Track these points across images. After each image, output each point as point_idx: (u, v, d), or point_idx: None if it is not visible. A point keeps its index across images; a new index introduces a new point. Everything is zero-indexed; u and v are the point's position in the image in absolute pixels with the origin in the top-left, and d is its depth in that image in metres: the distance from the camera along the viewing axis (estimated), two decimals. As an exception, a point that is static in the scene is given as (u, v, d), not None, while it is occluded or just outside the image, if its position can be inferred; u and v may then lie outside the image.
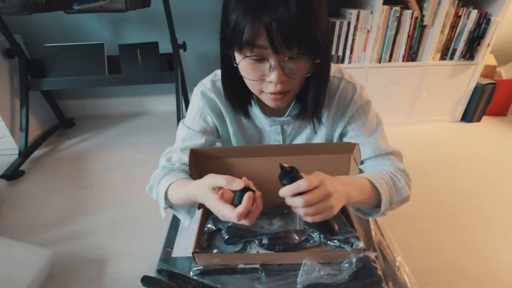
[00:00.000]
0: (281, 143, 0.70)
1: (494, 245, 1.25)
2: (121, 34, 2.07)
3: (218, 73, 0.68)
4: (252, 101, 0.64)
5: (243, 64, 0.50)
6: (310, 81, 0.54)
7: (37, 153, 1.90)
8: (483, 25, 1.88)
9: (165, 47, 1.84)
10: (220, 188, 0.46)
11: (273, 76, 0.48)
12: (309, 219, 0.43)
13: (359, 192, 0.51)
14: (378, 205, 0.55)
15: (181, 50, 1.87)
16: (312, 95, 0.56)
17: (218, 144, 0.78)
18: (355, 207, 0.60)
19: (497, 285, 1.09)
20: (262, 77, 0.50)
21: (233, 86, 0.59)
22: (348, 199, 0.47)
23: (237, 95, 0.61)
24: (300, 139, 0.70)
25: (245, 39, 0.45)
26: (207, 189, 0.46)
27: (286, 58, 0.47)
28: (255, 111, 0.66)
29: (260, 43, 0.45)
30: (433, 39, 1.88)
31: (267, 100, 0.55)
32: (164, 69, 1.92)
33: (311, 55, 0.48)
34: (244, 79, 0.54)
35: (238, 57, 0.50)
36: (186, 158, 0.63)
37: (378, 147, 0.62)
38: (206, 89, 0.66)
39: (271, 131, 0.69)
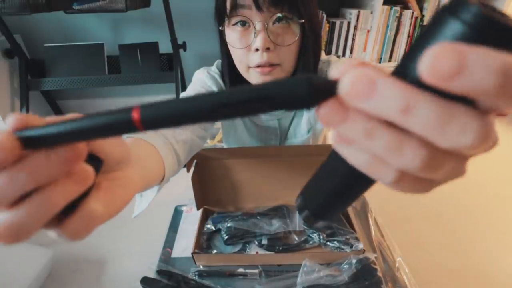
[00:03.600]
0: (277, 127, 0.70)
1: (494, 245, 1.25)
2: (121, 34, 2.07)
3: (210, 67, 0.69)
4: None
5: (231, 34, 0.51)
6: (299, 60, 0.54)
7: (37, 153, 1.90)
8: (483, 25, 1.88)
9: (165, 47, 1.84)
10: None
11: (258, 41, 0.48)
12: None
13: None
14: None
15: (181, 50, 1.87)
16: (300, 71, 0.55)
17: (219, 145, 0.78)
18: None
19: (497, 285, 1.09)
20: (248, 44, 0.50)
21: (232, 73, 0.59)
22: None
23: (237, 79, 0.60)
24: (297, 119, 0.70)
25: (230, 2, 0.47)
26: None
27: (271, 22, 0.48)
28: None
29: (243, 2, 0.47)
30: (433, 39, 1.88)
31: (256, 78, 0.53)
32: (164, 69, 1.93)
33: (295, 13, 0.48)
34: (233, 56, 0.54)
35: (227, 29, 0.52)
36: None
37: None
38: (207, 74, 0.66)
39: (265, 116, 0.69)
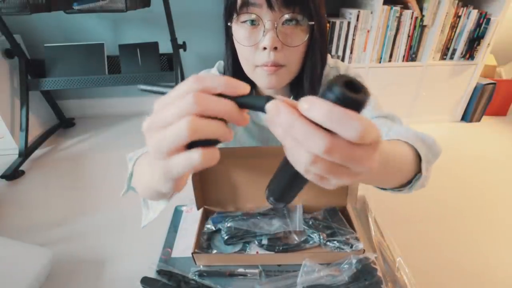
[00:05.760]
0: None
1: (494, 245, 1.25)
2: (121, 34, 2.07)
3: (210, 69, 0.68)
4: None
5: (239, 31, 0.50)
6: (306, 62, 0.53)
7: (37, 153, 1.90)
8: (483, 25, 1.88)
9: (165, 47, 1.84)
10: None
11: (266, 39, 0.47)
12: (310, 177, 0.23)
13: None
14: (410, 176, 0.43)
15: (181, 50, 1.87)
16: (308, 74, 0.55)
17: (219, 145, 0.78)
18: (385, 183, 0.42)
19: (497, 286, 1.09)
20: (256, 42, 0.49)
21: (236, 71, 0.58)
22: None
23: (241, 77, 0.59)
24: None
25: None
26: None
27: (281, 22, 0.47)
28: None
29: (254, 0, 0.46)
30: (433, 39, 1.88)
31: (262, 77, 0.52)
32: (164, 69, 1.92)
33: (306, 15, 0.48)
34: (239, 53, 0.53)
35: (234, 26, 0.51)
36: None
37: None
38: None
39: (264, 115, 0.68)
